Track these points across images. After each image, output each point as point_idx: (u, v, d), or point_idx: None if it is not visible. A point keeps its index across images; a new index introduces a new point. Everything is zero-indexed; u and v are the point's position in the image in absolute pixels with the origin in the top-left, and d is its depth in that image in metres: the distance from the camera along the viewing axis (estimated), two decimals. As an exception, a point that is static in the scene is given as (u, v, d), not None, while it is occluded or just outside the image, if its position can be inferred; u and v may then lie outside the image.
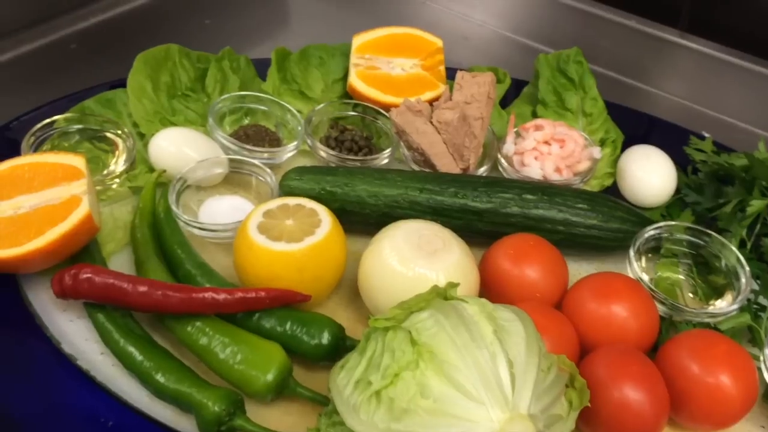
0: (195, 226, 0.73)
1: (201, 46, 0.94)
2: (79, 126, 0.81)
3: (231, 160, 0.80)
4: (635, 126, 0.96)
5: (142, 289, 0.62)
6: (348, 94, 0.93)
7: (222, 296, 0.62)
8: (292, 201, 0.70)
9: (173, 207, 0.73)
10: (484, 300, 0.53)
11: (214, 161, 0.79)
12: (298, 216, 0.68)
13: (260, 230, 0.66)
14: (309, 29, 1.22)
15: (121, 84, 0.86)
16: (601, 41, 1.16)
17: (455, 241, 0.67)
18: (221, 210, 0.77)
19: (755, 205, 0.76)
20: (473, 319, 0.51)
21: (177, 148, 0.79)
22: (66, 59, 1.07)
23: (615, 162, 0.87)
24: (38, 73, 1.03)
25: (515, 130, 0.87)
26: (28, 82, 1.02)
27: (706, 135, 1.01)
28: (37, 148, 0.77)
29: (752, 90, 1.10)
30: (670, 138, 0.92)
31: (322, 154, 0.83)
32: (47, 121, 0.78)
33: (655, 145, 0.86)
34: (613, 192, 0.85)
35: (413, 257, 0.64)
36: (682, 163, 0.86)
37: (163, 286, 0.62)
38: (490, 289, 0.69)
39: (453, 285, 0.53)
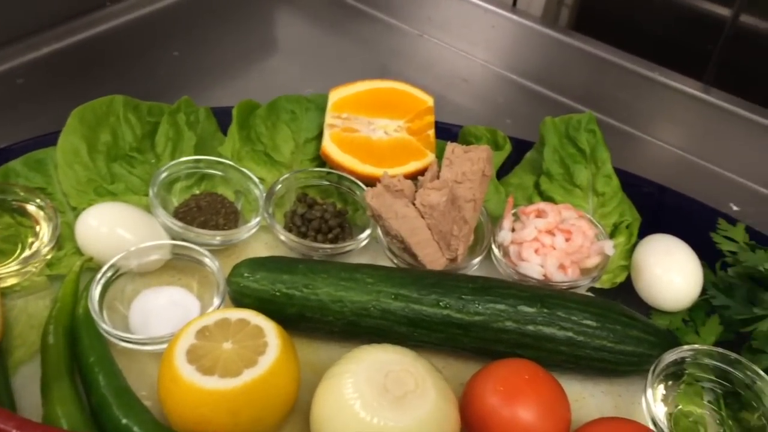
0: (117, 338, 0.60)
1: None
2: (-5, 196, 0.68)
3: (173, 245, 0.67)
4: (651, 200, 0.82)
5: (31, 439, 0.49)
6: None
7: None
8: (234, 315, 0.57)
9: (93, 311, 0.60)
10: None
11: (152, 247, 0.66)
12: (240, 337, 0.55)
13: (189, 358, 0.53)
14: (294, 59, 1.09)
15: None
16: (617, 92, 1.03)
17: (430, 380, 0.54)
18: (157, 306, 0.65)
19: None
20: None
21: (109, 228, 0.67)
22: (10, 96, 0.94)
23: (630, 252, 0.74)
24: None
25: (514, 212, 0.74)
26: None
27: (735, 208, 0.89)
28: (-61, 225, 0.65)
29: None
30: (695, 218, 0.79)
31: (283, 238, 0.70)
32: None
33: (677, 229, 0.73)
34: (627, 289, 0.72)
35: (378, 404, 0.51)
36: (707, 252, 0.72)
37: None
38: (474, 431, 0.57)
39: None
